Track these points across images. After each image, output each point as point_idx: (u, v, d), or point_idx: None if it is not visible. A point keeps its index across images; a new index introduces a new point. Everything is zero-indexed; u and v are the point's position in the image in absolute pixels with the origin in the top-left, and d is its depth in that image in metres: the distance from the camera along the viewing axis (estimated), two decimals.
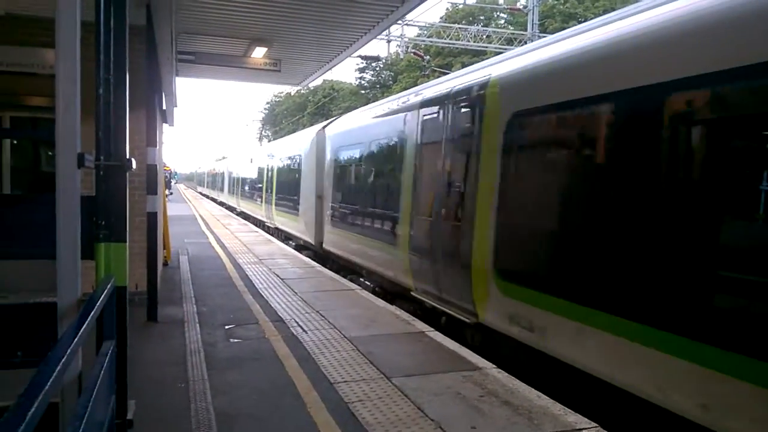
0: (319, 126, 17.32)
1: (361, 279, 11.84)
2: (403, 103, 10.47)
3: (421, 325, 7.68)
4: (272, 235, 21.01)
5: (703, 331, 4.20)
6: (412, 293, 9.14)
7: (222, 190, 45.09)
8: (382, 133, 11.13)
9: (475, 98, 7.56)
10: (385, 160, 10.98)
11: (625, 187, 5.03)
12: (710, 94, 4.36)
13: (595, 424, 4.64)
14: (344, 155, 13.80)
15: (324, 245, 14.79)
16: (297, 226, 17.98)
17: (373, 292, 10.59)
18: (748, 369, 3.89)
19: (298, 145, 19.07)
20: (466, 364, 6.08)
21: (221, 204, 42.50)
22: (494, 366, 6.04)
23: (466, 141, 7.72)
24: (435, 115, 8.72)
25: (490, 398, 5.13)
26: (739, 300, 4.16)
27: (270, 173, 23.48)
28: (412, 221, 9.20)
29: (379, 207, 11.07)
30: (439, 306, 8.19)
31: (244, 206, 31.15)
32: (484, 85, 7.38)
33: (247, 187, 30.87)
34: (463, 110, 7.94)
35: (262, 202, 24.89)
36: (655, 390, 4.63)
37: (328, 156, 15.01)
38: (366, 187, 12.15)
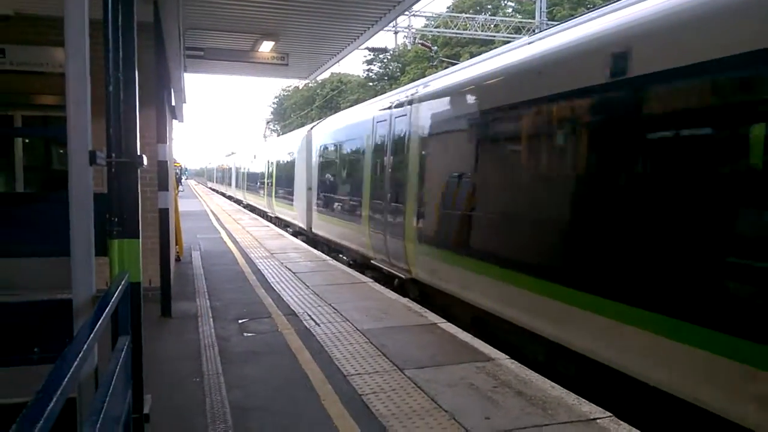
0: (309, 127, 20.21)
1: (341, 255, 14.33)
2: (362, 112, 13.55)
3: (433, 317, 7.69)
4: (272, 222, 23.61)
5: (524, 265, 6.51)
6: (372, 262, 11.76)
7: (230, 184, 48.03)
8: (351, 134, 13.82)
9: (404, 111, 10.23)
10: (352, 157, 13.75)
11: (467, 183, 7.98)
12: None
13: (609, 414, 4.63)
14: (325, 152, 16.58)
15: (313, 229, 17.38)
16: (292, 214, 20.51)
17: (349, 266, 12.79)
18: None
19: (292, 143, 21.80)
20: (479, 355, 6.09)
21: (229, 198, 44.97)
22: (507, 357, 6.04)
23: (400, 145, 10.24)
24: (383, 122, 11.30)
25: (503, 389, 5.13)
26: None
27: (270, 168, 26.29)
28: (370, 206, 11.91)
29: (348, 195, 13.75)
30: (388, 269, 10.77)
31: (250, 199, 33.60)
32: (411, 101, 9.99)
33: (251, 182, 33.80)
34: (398, 120, 10.49)
35: (264, 194, 27.42)
36: (501, 306, 7.00)
37: (314, 153, 17.63)
38: (340, 180, 14.83)
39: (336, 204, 14.79)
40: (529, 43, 7.17)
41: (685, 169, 4.63)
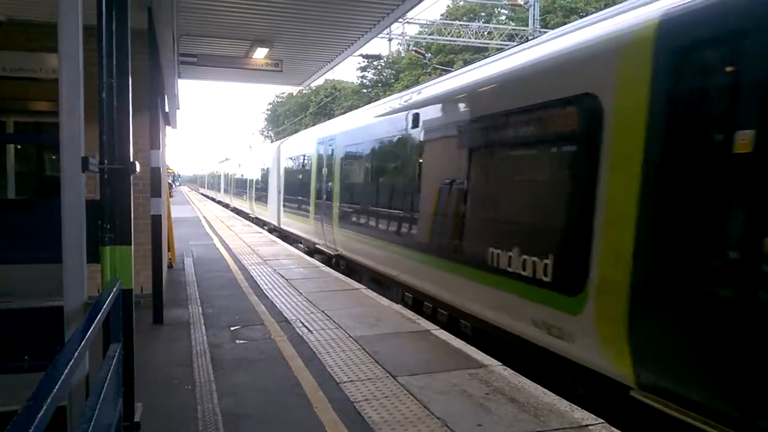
0: (279, 142, 25.24)
1: (300, 245, 18.36)
2: (312, 133, 18.43)
3: (426, 324, 7.69)
4: (253, 222, 27.49)
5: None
6: (317, 246, 15.73)
7: (219, 190, 53.47)
8: (303, 150, 18.51)
9: (331, 139, 15.05)
10: (305, 167, 18.05)
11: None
12: None
13: (602, 420, 4.64)
14: (287, 163, 21.26)
15: (281, 226, 21.51)
16: (267, 214, 24.71)
17: (306, 253, 16.14)
18: None
19: (267, 155, 26.41)
20: (472, 362, 6.09)
21: (219, 202, 49.55)
22: (500, 363, 6.05)
23: (330, 161, 14.86)
24: (322, 144, 15.92)
25: (496, 396, 5.14)
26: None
27: (250, 176, 31.24)
28: (315, 204, 15.96)
29: (302, 196, 17.62)
30: (327, 251, 14.60)
31: (236, 203, 38.17)
32: (334, 133, 14.78)
33: (236, 187, 38.64)
34: (329, 144, 15.12)
35: (246, 198, 31.80)
36: (384, 267, 10.78)
37: (281, 164, 22.15)
38: (297, 184, 18.92)
39: (295, 204, 18.78)
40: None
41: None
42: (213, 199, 55.83)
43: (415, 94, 9.93)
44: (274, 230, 22.94)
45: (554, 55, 6.17)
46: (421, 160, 9.15)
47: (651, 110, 4.65)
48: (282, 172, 21.75)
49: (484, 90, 7.66)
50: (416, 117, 9.25)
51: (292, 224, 19.46)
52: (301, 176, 18.44)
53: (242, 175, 34.89)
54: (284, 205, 20.75)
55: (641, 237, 4.70)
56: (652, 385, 4.68)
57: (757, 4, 4.06)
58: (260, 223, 26.65)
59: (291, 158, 20.59)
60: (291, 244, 17.90)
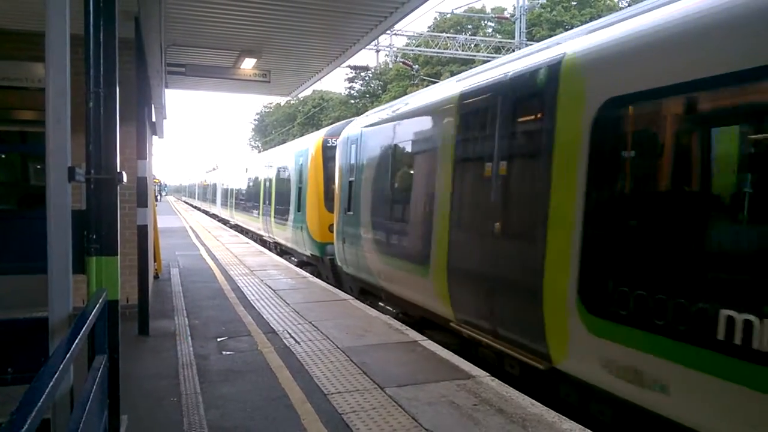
0: (248, 159, 32.02)
1: (236, 229, 26.89)
2: (269, 155, 24.20)
3: (413, 335, 7.68)
4: (227, 225, 32.42)
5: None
6: (274, 242, 20.68)
7: (198, 198, 60.38)
8: (268, 165, 22.43)
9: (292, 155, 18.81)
10: (271, 179, 21.47)
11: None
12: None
13: (589, 431, 4.65)
14: (253, 177, 25.79)
15: (233, 221, 31.06)
16: (224, 213, 33.14)
17: (274, 251, 19.88)
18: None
19: (237, 169, 31.72)
20: (460, 373, 6.08)
21: (200, 209, 54.10)
22: (488, 374, 6.05)
23: (272, 174, 20.74)
24: (282, 159, 20.06)
25: (484, 407, 5.13)
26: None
27: (217, 187, 39.34)
28: (272, 209, 20.40)
29: (271, 204, 20.81)
30: (271, 241, 20.67)
31: (215, 210, 41.88)
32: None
33: (213, 195, 43.91)
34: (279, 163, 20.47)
35: (226, 206, 35.51)
36: (299, 248, 16.85)
37: (249, 175, 27.07)
38: (266, 193, 22.12)
39: (259, 209, 23.39)
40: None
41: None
42: (197, 208, 58.13)
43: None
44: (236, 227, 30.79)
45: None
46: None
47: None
48: (250, 182, 27.16)
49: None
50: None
51: (250, 224, 25.90)
52: (268, 186, 22.01)
53: (221, 185, 39.38)
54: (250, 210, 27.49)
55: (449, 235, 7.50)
56: (462, 320, 7.27)
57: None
58: (236, 226, 30.70)
59: (254, 173, 25.80)
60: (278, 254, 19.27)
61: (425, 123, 8.66)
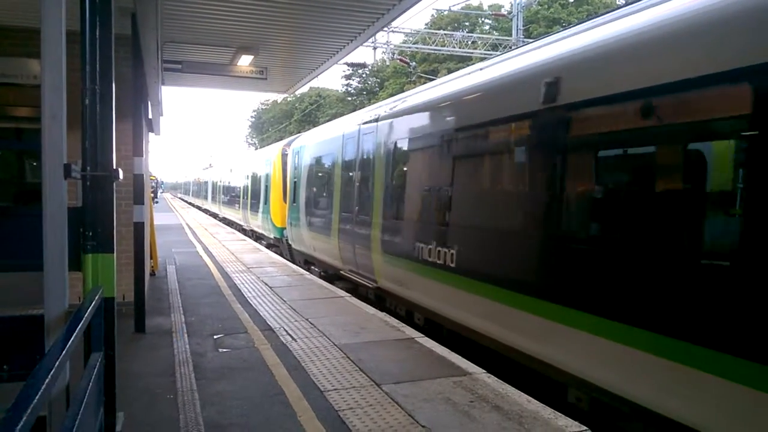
0: (229, 162, 37.25)
1: (233, 227, 28.96)
2: (246, 159, 29.60)
3: (410, 332, 7.68)
4: (216, 218, 37.30)
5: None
6: (250, 229, 24.90)
7: (192, 195, 66.94)
8: (246, 167, 27.40)
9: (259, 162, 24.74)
10: (247, 178, 26.06)
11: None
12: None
13: (585, 427, 4.66)
14: (235, 177, 30.88)
15: (221, 215, 36.16)
16: (227, 212, 34.27)
17: (240, 231, 26.04)
18: None
19: (220, 170, 40.14)
20: (456, 370, 6.09)
21: (194, 205, 59.02)
22: (484, 371, 6.06)
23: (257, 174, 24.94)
24: (255, 163, 25.29)
25: (480, 403, 5.14)
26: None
27: (209, 184, 46.65)
28: (249, 203, 24.84)
29: (248, 199, 25.37)
30: (257, 232, 23.55)
31: (207, 206, 47.13)
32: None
33: (205, 191, 49.61)
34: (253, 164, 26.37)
35: (216, 202, 40.80)
36: (261, 230, 23.33)
37: (232, 176, 32.24)
38: (244, 190, 26.90)
39: (231, 202, 31.96)
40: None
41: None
42: (191, 204, 63.58)
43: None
44: (215, 216, 39.06)
45: None
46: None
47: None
48: (224, 183, 36.90)
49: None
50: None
51: (231, 215, 31.90)
52: (237, 185, 30.12)
53: (207, 183, 49.48)
54: (222, 204, 36.90)
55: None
56: (347, 269, 11.62)
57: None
58: (217, 217, 38.93)
59: (227, 176, 34.99)
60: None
61: (332, 145, 13.37)
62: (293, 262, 15.63)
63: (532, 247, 5.95)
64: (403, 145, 9.23)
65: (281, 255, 17.63)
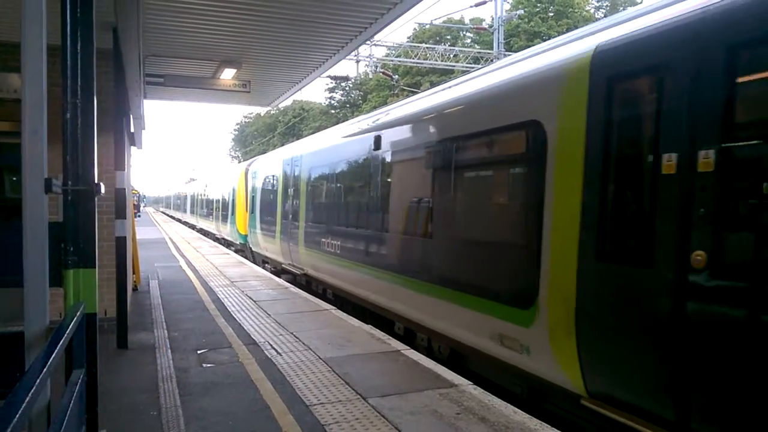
0: (207, 178, 40.48)
1: (201, 232, 36.17)
2: (218, 177, 33.51)
3: (396, 344, 7.66)
4: (194, 229, 41.65)
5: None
6: (222, 237, 28.77)
7: (173, 208, 70.83)
8: (217, 183, 31.23)
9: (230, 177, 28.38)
10: (219, 193, 29.55)
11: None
12: None
13: None
14: (209, 192, 34.76)
15: (198, 226, 40.14)
16: (204, 223, 37.47)
17: (222, 244, 27.22)
18: None
19: (200, 185, 42.24)
20: (442, 382, 6.08)
21: (174, 218, 62.94)
22: (470, 383, 6.06)
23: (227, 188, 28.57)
24: (224, 180, 29.30)
25: (467, 415, 5.13)
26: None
27: (187, 198, 51.54)
28: (220, 214, 29.11)
29: (219, 210, 29.25)
30: (227, 239, 26.92)
31: (186, 218, 51.37)
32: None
33: (185, 205, 53.67)
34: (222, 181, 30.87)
35: (194, 214, 44.65)
36: (210, 227, 33.40)
37: (207, 191, 36.30)
38: (216, 203, 31.00)
39: (206, 214, 36.19)
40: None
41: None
42: (172, 217, 66.55)
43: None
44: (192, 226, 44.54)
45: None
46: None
47: None
48: (200, 198, 41.42)
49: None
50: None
51: (206, 226, 36.10)
52: (207, 199, 36.21)
53: (185, 197, 54.23)
54: (199, 216, 40.76)
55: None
56: (287, 263, 15.26)
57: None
58: (194, 227, 43.07)
59: (201, 193, 40.48)
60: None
61: (275, 169, 17.48)
62: (254, 263, 19.02)
63: (368, 239, 9.77)
64: (313, 173, 13.45)
65: (245, 257, 20.85)
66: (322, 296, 12.35)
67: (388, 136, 9.29)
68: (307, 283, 13.80)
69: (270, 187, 17.86)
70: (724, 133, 3.85)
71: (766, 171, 3.68)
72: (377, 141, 9.65)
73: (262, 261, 19.26)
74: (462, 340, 6.95)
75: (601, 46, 4.92)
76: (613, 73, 4.75)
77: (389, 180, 9.24)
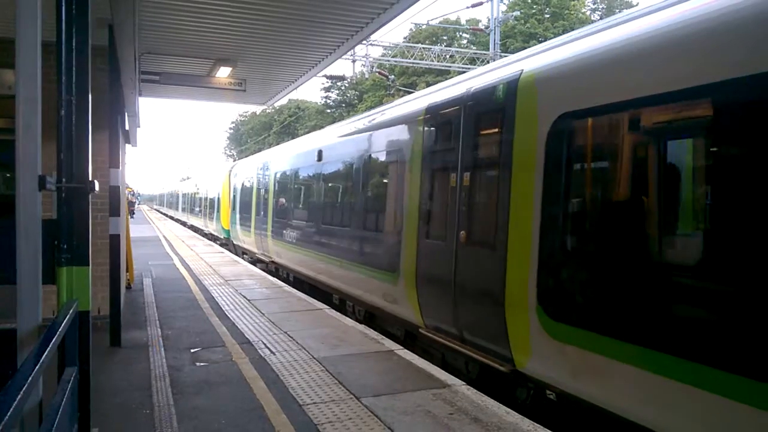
0: (195, 180, 43.21)
1: (192, 228, 37.70)
2: (206, 176, 36.22)
3: (390, 344, 7.67)
4: (185, 225, 43.40)
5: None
6: (209, 232, 31.00)
7: (166, 206, 72.79)
8: (205, 183, 33.78)
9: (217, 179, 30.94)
10: (207, 192, 32.31)
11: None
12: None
13: None
14: (198, 191, 37.17)
15: (189, 222, 42.21)
16: (194, 219, 39.55)
17: (209, 238, 28.74)
18: None
19: (191, 184, 44.66)
20: (435, 382, 6.09)
21: (164, 214, 66.75)
22: (463, 383, 6.07)
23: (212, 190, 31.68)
24: (211, 180, 31.81)
25: (459, 415, 5.14)
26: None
27: (179, 196, 53.90)
28: (207, 211, 31.97)
29: (207, 208, 32.01)
30: (213, 234, 29.15)
31: (178, 216, 53.60)
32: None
33: (177, 202, 56.34)
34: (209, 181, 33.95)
35: (185, 211, 46.93)
36: (199, 222, 36.39)
37: (197, 189, 38.43)
38: (204, 201, 33.62)
39: (190, 210, 41.31)
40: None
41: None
42: (165, 215, 67.65)
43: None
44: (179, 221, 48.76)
45: None
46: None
47: None
48: (185, 197, 45.82)
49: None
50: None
51: (187, 220, 42.82)
52: (190, 198, 41.85)
53: (177, 195, 57.05)
54: (183, 210, 45.57)
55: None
56: (261, 253, 18.05)
57: None
58: (192, 228, 42.59)
59: (186, 192, 45.42)
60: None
61: (250, 171, 20.41)
62: (236, 255, 21.25)
63: (312, 231, 12.41)
64: (277, 177, 16.40)
65: (230, 251, 22.77)
66: (286, 280, 14.70)
67: (326, 151, 12.13)
68: (276, 270, 16.44)
69: (248, 188, 20.53)
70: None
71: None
72: (320, 154, 12.41)
73: (242, 252, 21.87)
74: (371, 302, 9.42)
75: (430, 104, 7.77)
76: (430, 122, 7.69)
77: (328, 184, 12.14)
